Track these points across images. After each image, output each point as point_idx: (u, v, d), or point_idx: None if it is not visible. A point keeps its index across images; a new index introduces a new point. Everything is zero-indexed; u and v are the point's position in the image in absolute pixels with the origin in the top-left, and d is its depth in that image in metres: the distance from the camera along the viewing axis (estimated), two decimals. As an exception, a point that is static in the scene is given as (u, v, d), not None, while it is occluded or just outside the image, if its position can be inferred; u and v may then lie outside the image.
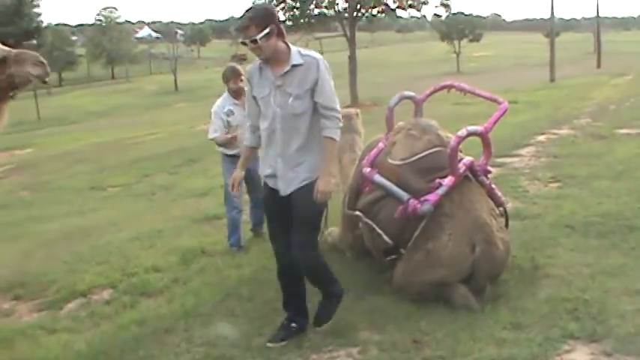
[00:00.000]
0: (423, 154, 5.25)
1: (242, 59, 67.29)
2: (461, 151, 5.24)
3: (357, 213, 5.46)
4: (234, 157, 7.02)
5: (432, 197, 4.95)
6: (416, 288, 4.96)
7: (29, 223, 10.95)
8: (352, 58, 24.89)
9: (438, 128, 5.49)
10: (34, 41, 30.30)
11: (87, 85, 60.02)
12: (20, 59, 5.40)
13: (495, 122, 5.44)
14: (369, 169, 5.66)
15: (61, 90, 57.81)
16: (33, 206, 12.98)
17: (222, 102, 7.23)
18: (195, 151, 17.08)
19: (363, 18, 26.75)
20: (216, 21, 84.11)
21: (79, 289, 6.54)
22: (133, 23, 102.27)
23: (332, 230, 6.53)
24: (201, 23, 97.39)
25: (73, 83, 62.54)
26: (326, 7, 25.50)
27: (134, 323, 5.37)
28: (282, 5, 25.29)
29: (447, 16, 39.14)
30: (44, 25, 40.39)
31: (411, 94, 6.00)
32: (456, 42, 50.32)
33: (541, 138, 11.78)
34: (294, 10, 25.70)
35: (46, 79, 5.52)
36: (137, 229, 8.99)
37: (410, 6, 24.81)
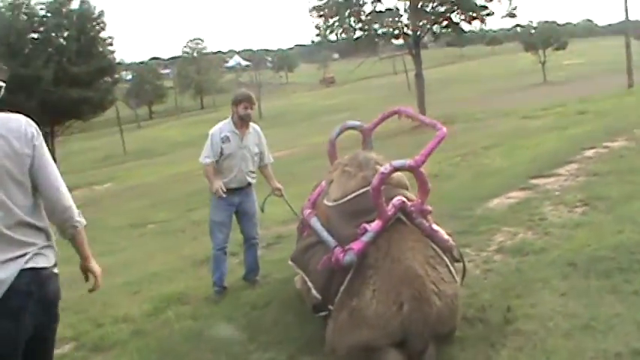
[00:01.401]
0: (355, 193, 4.51)
1: (330, 82, 67.88)
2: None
3: (290, 262, 4.76)
4: (226, 193, 6.57)
5: (356, 245, 4.20)
6: (343, 351, 4.19)
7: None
8: (419, 76, 24.07)
9: (379, 162, 4.70)
10: (109, 78, 30.90)
11: (175, 117, 61.34)
12: None
13: (429, 153, 4.56)
14: (308, 211, 4.97)
15: (150, 123, 59.38)
16: (70, 246, 12.87)
17: (222, 126, 6.66)
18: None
19: (426, 35, 25.86)
20: (304, 46, 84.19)
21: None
22: (224, 53, 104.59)
23: (297, 277, 5.82)
24: (290, 49, 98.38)
25: (163, 115, 64.10)
26: (391, 27, 24.73)
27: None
28: (343, 27, 24.70)
29: (529, 25, 37.56)
30: (131, 61, 41.86)
31: (356, 123, 5.26)
32: (540, 51, 48.25)
33: (589, 153, 10.58)
34: (357, 31, 25.09)
35: None
36: (139, 272, 8.68)
37: (474, 18, 23.73)
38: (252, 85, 57.12)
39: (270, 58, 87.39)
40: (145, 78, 63.88)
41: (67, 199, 3.08)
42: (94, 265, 3.29)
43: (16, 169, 2.94)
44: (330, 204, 4.77)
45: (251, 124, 6.72)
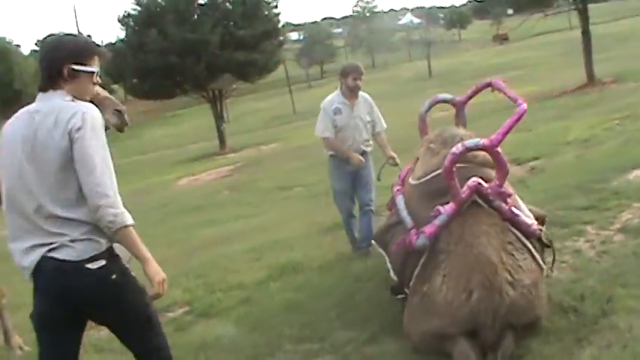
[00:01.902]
0: (435, 172, 4.25)
1: (503, 39, 65.06)
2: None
3: (372, 241, 4.61)
4: (343, 161, 6.80)
5: (429, 229, 3.99)
6: (416, 337, 4.03)
7: (194, 227, 11.39)
8: (585, 33, 22.38)
9: (465, 138, 4.39)
10: (274, 41, 31.51)
11: (347, 76, 61.62)
12: (102, 105, 5.33)
13: (507, 132, 4.18)
14: (397, 188, 4.78)
15: (321, 82, 60.10)
16: (218, 208, 13.49)
17: (332, 98, 6.85)
18: (401, 143, 16.42)
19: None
20: (478, 1, 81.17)
21: (164, 304, 6.46)
22: (396, 11, 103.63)
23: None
24: (463, 5, 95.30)
25: (335, 74, 64.59)
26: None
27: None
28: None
29: None
30: (303, 21, 42.37)
31: (447, 96, 4.93)
32: None
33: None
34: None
35: (124, 129, 5.35)
36: (266, 238, 8.91)
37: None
38: (422, 43, 56.18)
39: (442, 15, 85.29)
40: (315, 38, 64.68)
41: (100, 197, 2.93)
42: (152, 270, 3.06)
43: (55, 162, 2.97)
44: (413, 182, 4.57)
45: (361, 93, 6.83)
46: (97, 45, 3.29)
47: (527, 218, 4.05)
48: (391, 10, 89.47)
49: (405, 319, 4.16)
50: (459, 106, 5.53)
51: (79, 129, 2.96)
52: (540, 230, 4.13)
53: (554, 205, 6.69)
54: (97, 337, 5.91)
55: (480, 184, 4.00)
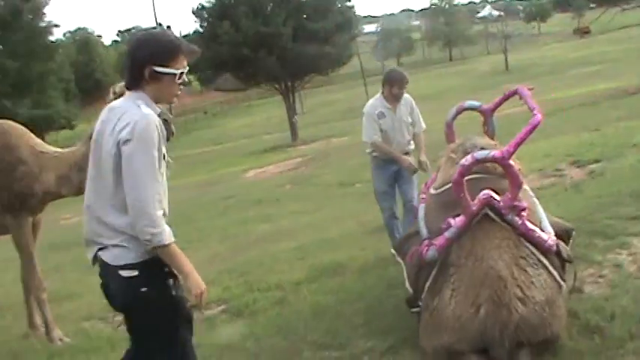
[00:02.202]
0: (447, 186, 4.14)
1: (585, 32, 63.14)
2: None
3: (392, 250, 4.54)
4: (385, 161, 6.91)
5: (439, 241, 3.91)
6: (430, 352, 3.93)
7: (251, 222, 11.50)
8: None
9: (486, 149, 4.26)
10: (347, 34, 31.51)
11: (423, 69, 61.17)
12: None
13: (519, 143, 4.00)
14: (422, 196, 4.69)
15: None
16: (277, 203, 13.56)
17: (374, 103, 6.94)
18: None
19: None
20: (559, -6, 79.08)
21: (204, 301, 6.58)
22: (476, 4, 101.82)
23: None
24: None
25: (411, 67, 64.20)
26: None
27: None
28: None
29: None
30: (381, 13, 42.33)
31: (474, 103, 4.76)
32: None
33: None
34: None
35: (170, 138, 5.48)
36: (314, 236, 8.93)
37: None
38: (500, 36, 55.18)
39: (522, 8, 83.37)
40: (391, 30, 64.37)
41: (140, 214, 2.90)
42: (190, 282, 3.02)
43: (107, 166, 3.00)
44: (432, 192, 4.48)
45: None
46: (184, 42, 3.19)
47: (543, 233, 3.88)
48: (471, 2, 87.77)
49: (419, 334, 4.07)
50: (487, 114, 5.39)
51: (126, 141, 2.94)
52: (558, 246, 3.95)
53: (605, 214, 6.45)
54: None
55: (491, 197, 3.86)
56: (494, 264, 3.68)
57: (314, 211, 11.67)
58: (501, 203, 3.84)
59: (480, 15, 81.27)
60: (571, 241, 4.32)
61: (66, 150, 6.19)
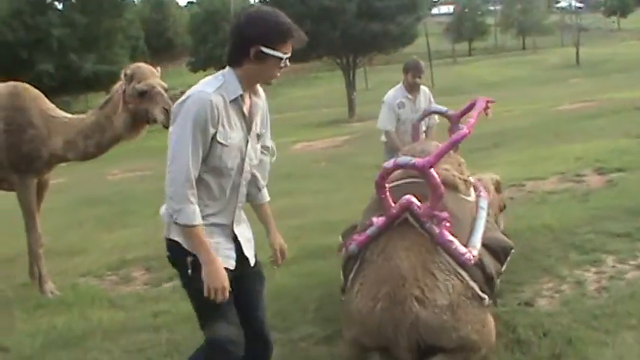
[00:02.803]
0: (394, 184, 4.18)
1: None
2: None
3: (340, 236, 4.64)
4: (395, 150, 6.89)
5: (361, 237, 3.99)
6: (345, 342, 4.04)
7: (273, 196, 11.58)
8: None
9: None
10: (412, 14, 31.20)
11: (494, 56, 60.04)
12: (154, 101, 5.72)
13: (441, 154, 3.96)
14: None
15: (467, 59, 58.99)
16: (305, 179, 13.69)
17: (395, 93, 7.07)
18: (511, 135, 15.92)
19: None
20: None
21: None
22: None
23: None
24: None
25: (482, 53, 63.22)
26: None
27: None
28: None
29: None
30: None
31: (441, 108, 4.68)
32: None
33: None
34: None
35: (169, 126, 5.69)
36: (320, 217, 9.03)
37: None
38: (584, 28, 53.71)
39: (603, 1, 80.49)
40: (466, 13, 63.26)
41: (169, 187, 2.93)
42: (207, 274, 2.94)
43: None
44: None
45: (421, 87, 7.07)
46: (295, 28, 3.05)
47: (461, 247, 3.88)
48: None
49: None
50: (453, 120, 5.38)
51: (175, 116, 2.98)
52: (482, 261, 3.96)
53: (592, 227, 6.42)
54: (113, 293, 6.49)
55: (411, 202, 3.90)
56: (399, 263, 3.74)
57: (334, 191, 11.75)
58: (421, 210, 3.87)
59: (559, 5, 78.99)
60: (508, 258, 4.31)
61: (75, 116, 6.46)
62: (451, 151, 4.55)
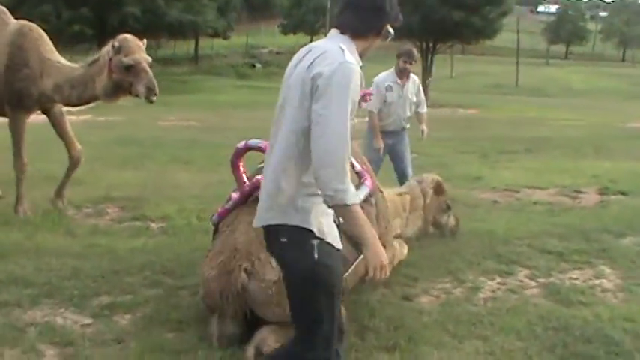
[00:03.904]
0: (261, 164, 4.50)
1: None
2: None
3: None
4: (383, 134, 7.51)
5: (220, 209, 4.45)
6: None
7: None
8: None
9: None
10: (498, 9, 30.57)
11: (590, 63, 58.01)
12: (138, 77, 6.11)
13: None
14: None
15: (561, 63, 57.26)
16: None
17: (386, 76, 7.48)
18: (549, 144, 15.63)
19: None
20: None
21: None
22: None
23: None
24: None
25: (579, 59, 61.22)
26: None
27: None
28: None
29: None
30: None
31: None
32: None
33: None
34: None
35: (152, 99, 6.14)
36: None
37: None
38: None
39: None
40: (567, 16, 61.29)
41: (325, 163, 2.57)
42: (370, 253, 2.68)
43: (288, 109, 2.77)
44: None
45: (412, 75, 7.54)
46: None
47: None
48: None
49: None
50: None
51: (324, 85, 2.64)
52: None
53: (531, 241, 6.52)
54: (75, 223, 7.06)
55: (259, 182, 4.15)
56: (238, 236, 4.08)
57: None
58: None
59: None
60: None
61: (68, 64, 6.85)
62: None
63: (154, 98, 6.14)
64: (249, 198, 4.28)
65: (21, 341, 4.14)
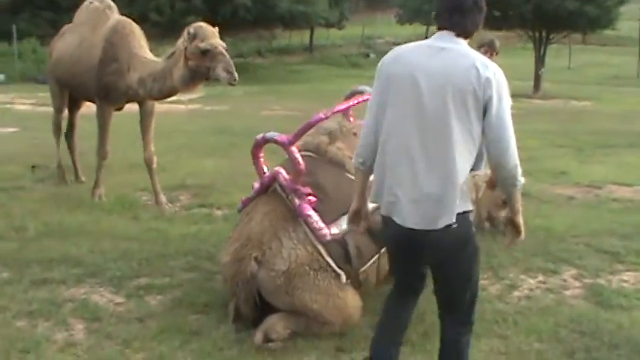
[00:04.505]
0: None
1: None
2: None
3: None
4: None
5: (245, 198, 4.57)
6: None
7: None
8: None
9: (330, 134, 4.71)
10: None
11: None
12: (216, 60, 6.18)
13: (299, 135, 4.29)
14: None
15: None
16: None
17: None
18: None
19: None
20: None
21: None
22: None
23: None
24: None
25: None
26: None
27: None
28: None
29: None
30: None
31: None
32: None
33: None
34: None
35: (233, 83, 6.21)
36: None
37: None
38: None
39: None
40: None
41: (510, 154, 2.96)
42: (518, 220, 3.15)
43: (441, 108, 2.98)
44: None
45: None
46: None
47: (320, 222, 4.12)
48: None
49: None
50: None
51: (496, 88, 2.93)
52: (345, 240, 4.17)
53: (589, 239, 6.30)
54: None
55: (279, 173, 4.25)
56: (253, 226, 4.19)
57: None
58: (285, 182, 4.21)
59: None
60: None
61: (151, 59, 7.07)
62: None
63: (235, 82, 6.15)
64: (269, 188, 4.39)
65: (55, 315, 4.47)
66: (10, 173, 8.91)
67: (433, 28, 34.36)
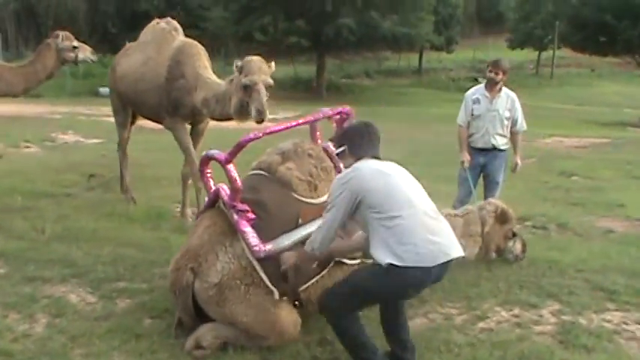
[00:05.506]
0: (251, 172, 4.84)
1: None
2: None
3: None
4: (474, 150, 7.33)
5: (197, 212, 5.28)
6: None
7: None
8: None
9: (283, 154, 4.82)
10: None
11: None
12: (252, 97, 6.27)
13: (234, 153, 4.33)
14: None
15: None
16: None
17: (475, 89, 7.47)
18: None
19: None
20: None
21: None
22: None
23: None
24: None
25: None
26: None
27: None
28: None
29: None
30: None
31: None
32: None
33: None
34: None
35: (260, 122, 6.23)
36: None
37: None
38: None
39: None
40: None
41: None
42: None
43: None
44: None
45: (505, 89, 7.28)
46: None
47: (254, 239, 4.21)
48: None
49: None
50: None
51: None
52: (281, 258, 4.26)
53: (599, 277, 6.03)
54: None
55: (218, 190, 4.44)
56: (195, 238, 4.44)
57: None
58: (225, 199, 4.37)
59: None
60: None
61: (215, 80, 7.25)
62: (320, 154, 4.82)
63: (262, 121, 6.22)
64: (215, 203, 4.61)
65: (27, 309, 4.84)
66: (67, 180, 9.55)
67: (546, 53, 33.40)
